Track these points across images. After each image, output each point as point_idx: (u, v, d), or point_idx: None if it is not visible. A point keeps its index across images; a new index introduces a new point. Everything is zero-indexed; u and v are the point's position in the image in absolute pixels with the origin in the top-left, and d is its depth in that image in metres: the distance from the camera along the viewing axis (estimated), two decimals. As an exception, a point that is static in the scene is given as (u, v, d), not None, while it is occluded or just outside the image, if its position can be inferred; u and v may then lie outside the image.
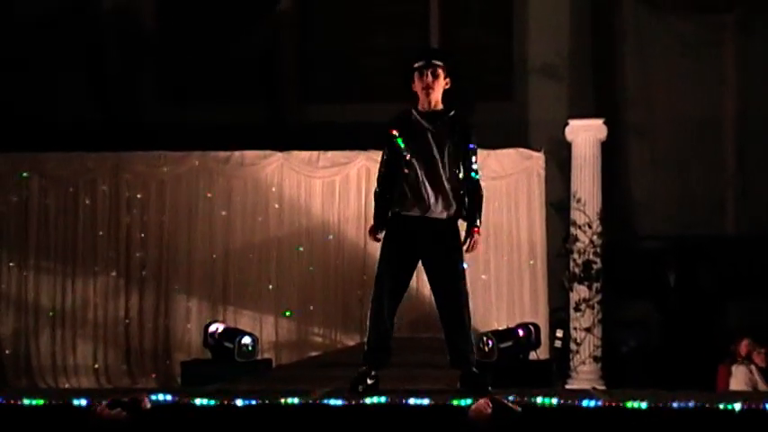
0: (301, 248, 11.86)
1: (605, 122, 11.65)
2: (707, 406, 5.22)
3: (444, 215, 6.09)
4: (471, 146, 6.18)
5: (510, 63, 12.91)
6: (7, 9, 12.49)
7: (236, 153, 12.01)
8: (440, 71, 6.14)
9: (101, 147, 12.13)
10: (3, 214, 12.04)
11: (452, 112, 6.17)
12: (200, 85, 12.94)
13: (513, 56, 12.91)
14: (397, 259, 6.12)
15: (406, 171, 6.07)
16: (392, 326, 6.18)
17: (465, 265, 6.16)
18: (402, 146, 6.07)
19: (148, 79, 13.17)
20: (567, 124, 11.71)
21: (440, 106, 6.18)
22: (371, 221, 11.87)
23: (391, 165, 6.13)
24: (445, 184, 6.07)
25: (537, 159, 11.82)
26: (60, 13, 12.69)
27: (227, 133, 12.19)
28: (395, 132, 6.11)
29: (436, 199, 6.06)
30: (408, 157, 6.06)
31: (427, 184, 6.06)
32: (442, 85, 6.15)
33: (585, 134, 11.63)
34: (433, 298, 6.25)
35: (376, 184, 6.27)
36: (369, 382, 6.02)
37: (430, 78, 6.13)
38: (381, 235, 6.17)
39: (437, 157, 6.06)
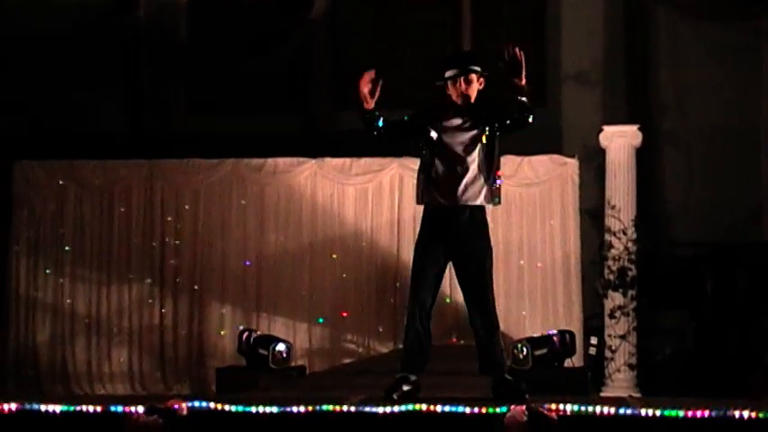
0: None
1: (640, 129, 11.59)
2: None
3: (472, 203, 6.08)
4: (497, 105, 6.14)
5: (543, 70, 12.85)
6: (43, 21, 12.60)
7: (270, 161, 12.05)
8: (473, 77, 6.15)
9: (135, 156, 12.22)
10: (39, 222, 12.14)
11: (481, 101, 6.20)
12: (233, 95, 12.99)
13: (546, 63, 12.87)
14: (429, 255, 6.12)
15: (432, 160, 6.12)
16: (427, 328, 6.14)
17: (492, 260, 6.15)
18: (431, 134, 6.11)
19: (181, 89, 13.25)
20: (601, 130, 11.65)
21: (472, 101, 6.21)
22: (404, 228, 11.93)
23: (404, 124, 6.23)
24: (472, 171, 6.08)
25: (571, 166, 11.78)
26: (94, 25, 12.80)
27: (260, 141, 12.22)
28: (427, 116, 6.17)
29: (465, 188, 6.06)
30: (437, 147, 6.10)
31: (453, 172, 6.08)
32: (476, 88, 6.17)
33: (620, 140, 11.57)
34: (463, 305, 6.25)
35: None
36: (405, 388, 5.97)
37: (464, 86, 6.15)
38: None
39: (466, 146, 6.08)
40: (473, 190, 6.08)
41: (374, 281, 11.85)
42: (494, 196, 6.12)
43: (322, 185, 12.01)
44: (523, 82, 6.02)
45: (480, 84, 6.17)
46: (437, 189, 6.11)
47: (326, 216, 11.98)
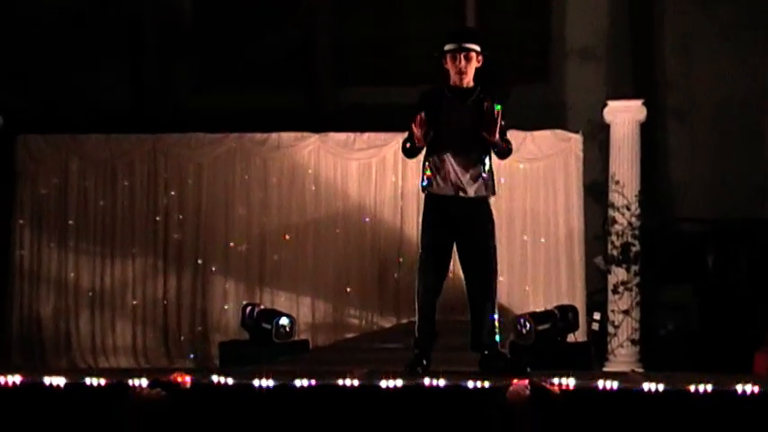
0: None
1: (644, 104, 11.55)
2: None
3: (474, 193, 6.10)
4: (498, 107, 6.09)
5: (547, 44, 12.81)
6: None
7: (273, 135, 12.04)
8: (472, 54, 6.11)
9: (139, 130, 12.21)
10: (43, 196, 12.15)
11: (480, 88, 6.17)
12: (236, 69, 12.95)
13: (550, 37, 12.81)
14: (434, 241, 6.17)
15: (434, 149, 6.11)
16: (435, 311, 6.23)
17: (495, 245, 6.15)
18: (431, 122, 6.06)
19: (186, 64, 13.20)
20: (605, 106, 11.61)
21: (471, 84, 6.17)
22: (407, 203, 11.94)
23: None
24: (475, 161, 6.07)
25: (575, 141, 11.76)
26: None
27: (264, 116, 12.21)
28: (425, 106, 6.12)
29: (466, 177, 6.09)
30: (437, 135, 6.07)
31: (457, 162, 6.09)
32: (474, 66, 6.14)
33: (624, 116, 11.53)
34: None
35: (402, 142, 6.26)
36: (424, 363, 6.13)
37: (463, 63, 6.12)
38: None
39: (467, 134, 6.06)
40: (476, 179, 6.10)
41: (377, 255, 11.85)
42: (492, 185, 6.15)
43: (325, 160, 12.01)
44: (494, 138, 5.97)
45: (479, 61, 6.15)
46: (441, 177, 6.11)
47: (330, 191, 11.97)
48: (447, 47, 6.16)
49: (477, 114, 6.05)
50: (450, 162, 6.08)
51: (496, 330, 6.20)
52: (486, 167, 6.11)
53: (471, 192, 6.09)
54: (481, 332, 6.17)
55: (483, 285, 6.13)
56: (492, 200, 6.26)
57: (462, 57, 6.10)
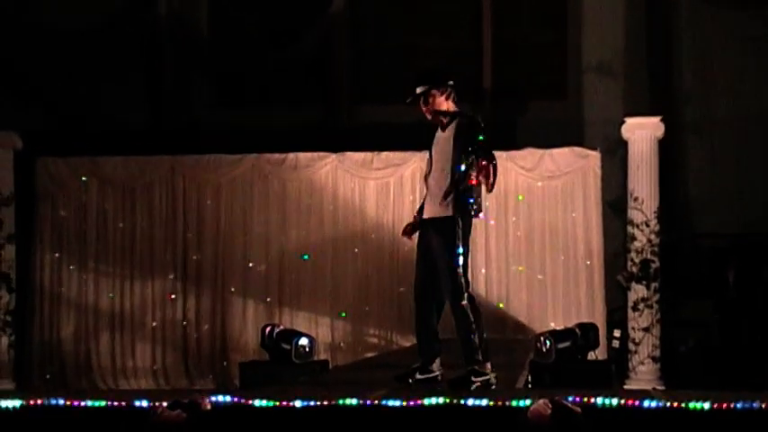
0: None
1: (662, 120, 11.52)
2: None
3: (436, 214, 6.28)
4: (479, 138, 6.22)
5: (564, 61, 12.81)
6: (65, 17, 12.65)
7: (291, 155, 12.07)
8: (421, 101, 6.35)
9: (157, 151, 12.27)
10: (63, 218, 12.21)
11: (458, 115, 6.35)
12: (254, 89, 13.01)
13: (567, 54, 12.81)
14: (419, 260, 6.43)
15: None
16: (427, 325, 6.38)
17: (460, 262, 6.20)
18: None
19: (203, 84, 13.28)
20: (623, 122, 11.60)
21: (450, 110, 6.37)
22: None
23: None
24: (443, 185, 6.25)
25: (593, 158, 11.74)
26: (116, 20, 12.84)
27: (282, 136, 12.25)
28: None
29: (434, 200, 6.30)
30: (426, 163, 6.46)
31: (430, 187, 6.37)
32: (434, 102, 6.37)
33: (642, 132, 11.51)
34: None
35: None
36: (418, 376, 6.29)
37: (422, 109, 6.38)
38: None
39: (440, 160, 6.31)
40: (441, 200, 6.24)
41: (396, 275, 11.84)
42: (466, 207, 6.18)
43: (343, 180, 12.02)
44: (487, 187, 6.15)
45: (440, 94, 6.32)
46: (423, 200, 6.46)
47: (348, 210, 11.99)
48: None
49: (449, 140, 6.26)
50: (427, 188, 6.39)
51: (468, 350, 6.19)
52: (455, 191, 6.18)
53: (433, 212, 6.28)
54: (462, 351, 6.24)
55: (454, 313, 6.20)
56: (464, 222, 6.24)
57: (421, 104, 6.35)
